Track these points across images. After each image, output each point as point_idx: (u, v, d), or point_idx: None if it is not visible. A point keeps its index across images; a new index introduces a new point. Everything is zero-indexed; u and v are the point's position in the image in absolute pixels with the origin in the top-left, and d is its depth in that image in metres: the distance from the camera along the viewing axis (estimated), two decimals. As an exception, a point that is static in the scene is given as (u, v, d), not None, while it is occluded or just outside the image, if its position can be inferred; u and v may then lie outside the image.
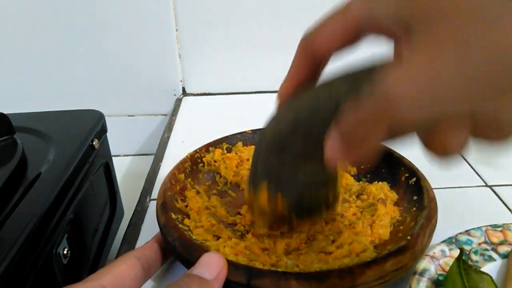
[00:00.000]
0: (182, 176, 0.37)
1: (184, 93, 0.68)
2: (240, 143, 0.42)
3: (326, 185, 0.29)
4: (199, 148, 0.40)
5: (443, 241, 0.32)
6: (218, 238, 0.32)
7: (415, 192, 0.34)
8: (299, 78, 0.25)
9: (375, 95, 0.18)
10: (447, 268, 0.29)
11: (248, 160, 0.41)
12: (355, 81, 0.23)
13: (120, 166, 0.56)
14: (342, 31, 0.22)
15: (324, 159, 0.21)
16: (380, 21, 0.20)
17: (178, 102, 0.66)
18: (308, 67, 0.24)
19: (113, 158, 0.47)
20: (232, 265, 0.27)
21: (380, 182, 0.37)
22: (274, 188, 0.29)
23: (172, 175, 0.37)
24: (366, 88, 0.18)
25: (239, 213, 0.36)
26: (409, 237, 0.29)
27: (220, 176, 0.40)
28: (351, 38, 0.22)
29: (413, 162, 0.36)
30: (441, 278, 0.29)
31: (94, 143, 0.40)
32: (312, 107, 0.24)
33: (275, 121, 0.27)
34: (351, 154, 0.20)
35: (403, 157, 0.37)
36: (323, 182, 0.29)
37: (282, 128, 0.26)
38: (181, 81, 0.67)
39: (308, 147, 0.26)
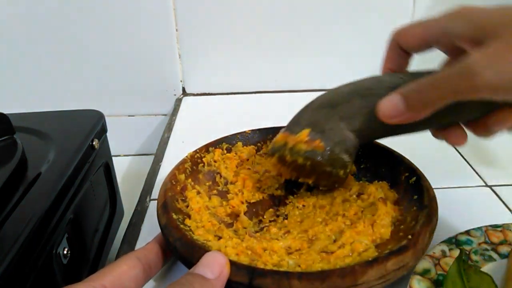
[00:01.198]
0: (183, 176, 0.37)
1: (184, 93, 0.68)
2: (240, 143, 0.42)
3: (350, 154, 0.34)
4: (199, 148, 0.40)
5: (443, 241, 0.32)
6: (220, 238, 0.32)
7: (415, 192, 0.34)
8: (390, 65, 0.33)
9: (458, 67, 0.24)
10: (447, 268, 0.29)
11: (248, 160, 0.41)
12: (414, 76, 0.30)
13: (120, 166, 0.56)
14: (420, 39, 0.30)
15: (380, 115, 0.29)
16: (451, 38, 0.27)
17: (178, 102, 0.66)
18: (395, 58, 0.32)
19: (113, 158, 0.47)
20: (234, 265, 0.27)
21: (380, 182, 0.37)
22: (315, 134, 0.33)
23: (173, 175, 0.37)
24: (443, 67, 0.28)
25: (236, 216, 0.36)
26: (410, 236, 0.29)
27: (221, 176, 0.40)
28: (427, 45, 0.30)
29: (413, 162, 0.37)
30: (441, 278, 0.29)
31: (94, 143, 0.40)
32: (372, 83, 0.32)
33: (337, 88, 0.34)
34: (413, 110, 0.27)
35: (403, 156, 0.37)
36: (350, 151, 0.34)
37: (341, 90, 0.33)
38: (181, 81, 0.67)
39: (353, 114, 0.32)
